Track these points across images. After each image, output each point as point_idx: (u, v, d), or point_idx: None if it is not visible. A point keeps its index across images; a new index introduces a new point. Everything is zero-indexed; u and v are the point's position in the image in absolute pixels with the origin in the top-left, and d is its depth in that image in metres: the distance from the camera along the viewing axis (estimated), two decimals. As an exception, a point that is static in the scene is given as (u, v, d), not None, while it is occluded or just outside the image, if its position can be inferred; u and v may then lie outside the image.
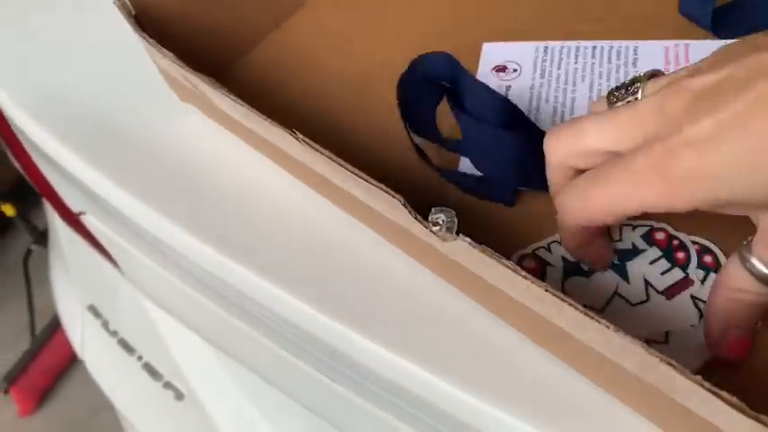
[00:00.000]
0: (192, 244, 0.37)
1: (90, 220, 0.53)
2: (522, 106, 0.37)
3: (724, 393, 0.20)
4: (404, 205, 0.26)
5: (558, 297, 0.23)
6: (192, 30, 0.39)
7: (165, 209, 0.38)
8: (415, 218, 0.26)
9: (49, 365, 1.48)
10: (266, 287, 0.33)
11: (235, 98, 0.30)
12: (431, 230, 0.26)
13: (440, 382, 0.28)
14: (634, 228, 0.31)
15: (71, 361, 1.51)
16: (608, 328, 0.22)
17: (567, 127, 0.28)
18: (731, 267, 0.26)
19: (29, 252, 1.50)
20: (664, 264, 0.30)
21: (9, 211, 1.45)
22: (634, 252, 0.30)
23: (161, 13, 0.36)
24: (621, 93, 0.28)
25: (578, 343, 0.24)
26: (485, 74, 0.39)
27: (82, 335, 0.78)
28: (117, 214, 0.43)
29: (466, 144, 0.34)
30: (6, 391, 1.42)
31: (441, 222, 0.26)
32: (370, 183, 0.26)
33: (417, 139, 0.35)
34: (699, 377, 0.20)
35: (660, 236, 0.31)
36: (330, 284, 0.32)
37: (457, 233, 0.25)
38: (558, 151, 0.28)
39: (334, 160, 0.27)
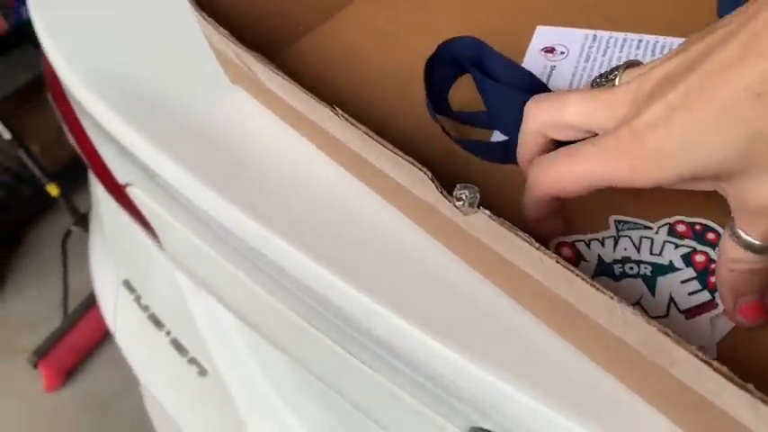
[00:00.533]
0: (234, 216, 0.39)
1: (135, 192, 0.56)
2: (563, 85, 0.39)
3: (715, 363, 0.21)
4: (431, 180, 0.28)
5: (568, 268, 0.24)
6: (244, 15, 0.41)
7: (210, 183, 0.40)
8: (441, 192, 0.28)
9: (77, 344, 1.52)
10: (305, 262, 0.35)
11: (282, 74, 0.32)
12: (454, 204, 0.28)
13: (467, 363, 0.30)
14: (676, 246, 0.32)
15: (99, 341, 1.55)
16: (612, 299, 0.23)
17: (549, 97, 0.30)
18: (724, 241, 0.27)
19: (68, 233, 1.56)
20: (695, 285, 0.31)
21: (53, 191, 1.51)
22: (670, 269, 0.31)
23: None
24: (602, 80, 0.31)
25: (587, 320, 0.26)
26: (533, 53, 0.42)
27: (115, 309, 0.81)
28: (165, 186, 0.46)
29: (490, 109, 0.36)
30: (35, 366, 1.47)
31: (464, 198, 0.27)
32: (400, 156, 0.28)
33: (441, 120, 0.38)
34: (694, 347, 0.22)
35: (700, 258, 0.32)
36: (368, 264, 0.34)
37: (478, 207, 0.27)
38: (537, 118, 0.30)
39: (370, 135, 0.29)
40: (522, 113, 0.31)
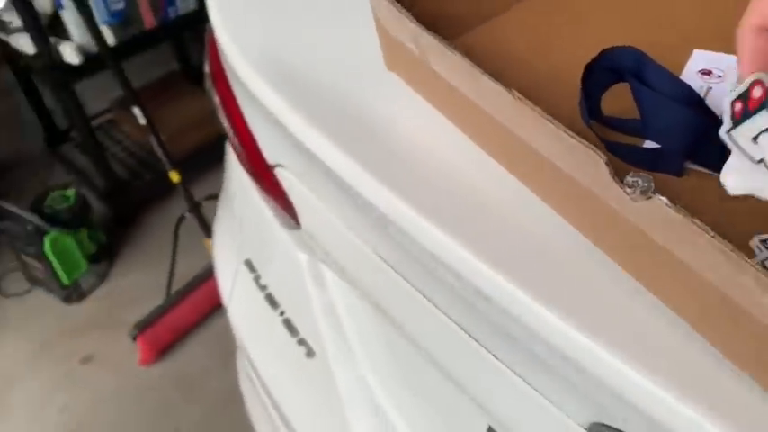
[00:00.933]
0: (385, 198, 0.42)
1: (283, 174, 0.61)
2: (718, 107, 0.41)
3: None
4: (606, 164, 0.30)
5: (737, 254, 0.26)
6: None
7: (365, 166, 0.44)
8: (613, 177, 0.30)
9: (175, 324, 1.61)
10: (458, 251, 0.37)
11: (461, 54, 0.36)
12: (625, 191, 0.30)
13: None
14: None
15: (195, 324, 1.64)
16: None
17: None
18: None
19: (182, 218, 1.66)
20: None
21: (175, 177, 1.62)
22: None
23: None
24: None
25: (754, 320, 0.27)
26: (690, 73, 0.44)
27: (233, 285, 0.87)
28: (319, 167, 0.50)
29: (645, 117, 0.38)
30: (134, 339, 1.57)
31: (637, 185, 0.29)
32: (575, 139, 0.31)
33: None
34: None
35: None
36: (517, 254, 0.36)
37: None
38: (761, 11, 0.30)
39: (543, 117, 0.32)
40: (678, 124, 0.33)
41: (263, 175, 0.66)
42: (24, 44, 1.64)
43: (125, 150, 2.07)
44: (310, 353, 0.73)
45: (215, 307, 1.67)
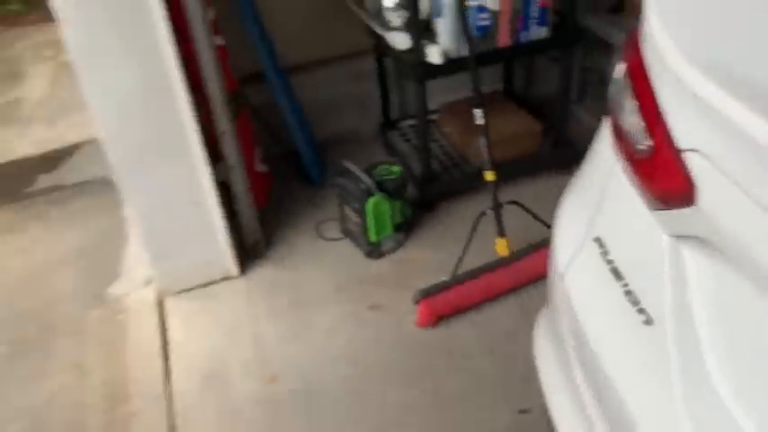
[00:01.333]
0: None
1: (694, 158, 0.73)
2: None
3: None
4: None
5: None
6: None
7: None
8: None
9: (454, 301, 1.81)
10: None
11: None
12: None
13: None
14: None
15: (471, 307, 1.82)
16: None
17: None
18: None
19: (482, 214, 1.86)
20: None
21: (490, 176, 1.82)
22: None
23: None
24: None
25: None
26: None
27: (573, 257, 1.01)
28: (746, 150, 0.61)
29: None
30: (416, 303, 1.79)
31: None
32: None
33: None
34: None
35: None
36: None
37: None
38: None
39: None
40: None
41: (663, 160, 0.79)
42: (400, 41, 1.97)
43: (441, 148, 2.35)
44: (649, 321, 0.84)
45: (492, 296, 1.84)
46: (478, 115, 1.81)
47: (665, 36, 0.79)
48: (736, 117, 0.66)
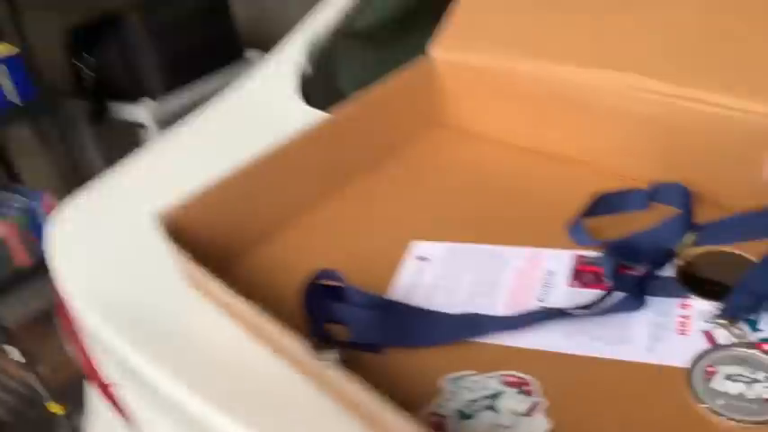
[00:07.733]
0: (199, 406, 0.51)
1: (119, 389, 0.67)
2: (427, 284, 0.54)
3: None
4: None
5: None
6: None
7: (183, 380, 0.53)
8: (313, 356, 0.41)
9: None
10: None
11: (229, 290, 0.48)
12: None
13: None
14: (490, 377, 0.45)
15: None
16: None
17: None
18: None
19: None
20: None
21: (55, 409, 1.59)
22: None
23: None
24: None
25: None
26: (410, 260, 0.58)
27: None
28: (143, 383, 0.57)
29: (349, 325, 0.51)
30: None
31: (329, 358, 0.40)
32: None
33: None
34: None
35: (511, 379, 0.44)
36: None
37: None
38: None
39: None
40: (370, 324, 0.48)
41: (102, 388, 0.73)
42: None
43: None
44: None
45: None
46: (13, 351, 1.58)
47: (64, 273, 0.74)
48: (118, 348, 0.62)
